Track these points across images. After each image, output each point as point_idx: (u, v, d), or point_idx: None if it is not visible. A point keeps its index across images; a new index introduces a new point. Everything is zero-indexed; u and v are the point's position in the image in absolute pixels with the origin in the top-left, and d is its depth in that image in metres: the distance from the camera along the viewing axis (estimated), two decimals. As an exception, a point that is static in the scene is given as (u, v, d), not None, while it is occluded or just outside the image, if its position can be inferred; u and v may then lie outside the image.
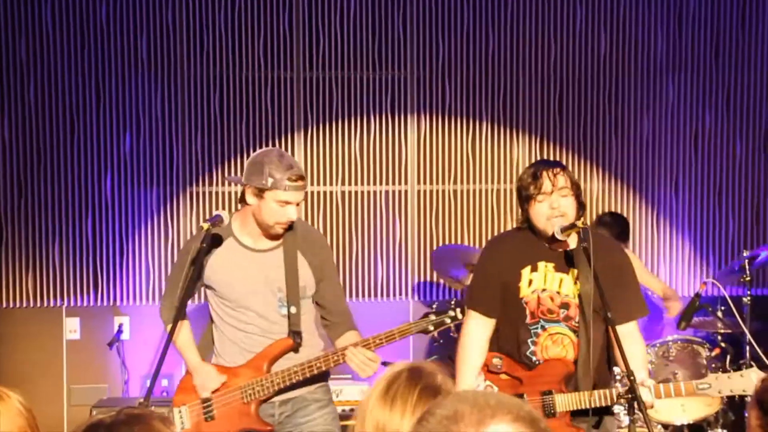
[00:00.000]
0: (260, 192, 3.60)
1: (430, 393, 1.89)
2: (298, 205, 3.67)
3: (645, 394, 3.53)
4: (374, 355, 3.65)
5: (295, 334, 3.76)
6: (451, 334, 4.06)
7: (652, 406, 3.56)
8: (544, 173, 3.71)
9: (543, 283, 3.78)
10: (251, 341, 3.78)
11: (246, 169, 3.69)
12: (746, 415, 1.86)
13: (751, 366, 3.71)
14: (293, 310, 3.74)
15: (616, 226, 5.66)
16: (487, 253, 3.97)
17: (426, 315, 3.69)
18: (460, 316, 3.67)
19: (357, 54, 6.15)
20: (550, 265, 3.78)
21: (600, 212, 6.23)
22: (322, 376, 3.84)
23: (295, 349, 3.77)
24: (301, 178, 3.64)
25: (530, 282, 3.78)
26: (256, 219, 3.69)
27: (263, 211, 3.63)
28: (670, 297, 5.58)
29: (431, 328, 3.66)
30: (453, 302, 3.74)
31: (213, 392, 3.77)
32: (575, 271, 3.76)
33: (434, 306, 3.77)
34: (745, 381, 3.48)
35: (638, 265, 5.73)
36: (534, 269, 3.79)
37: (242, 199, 3.73)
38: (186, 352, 3.84)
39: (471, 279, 4.08)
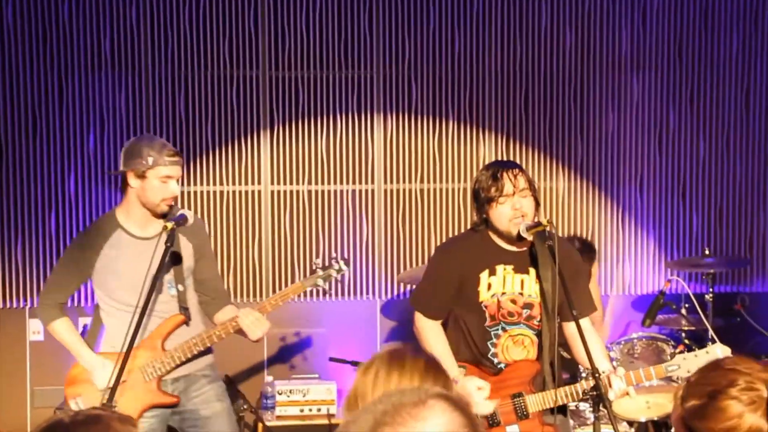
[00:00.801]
0: (142, 173, 3.88)
1: (435, 366, 1.98)
2: (177, 180, 3.96)
3: (617, 383, 3.55)
4: (261, 316, 3.98)
5: (185, 309, 4.04)
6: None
7: (627, 393, 3.59)
8: (504, 175, 3.71)
9: (502, 287, 3.79)
10: (144, 322, 3.93)
11: (123, 158, 3.98)
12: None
13: (714, 341, 3.75)
14: (180, 288, 4.03)
15: (588, 249, 5.58)
16: (441, 257, 3.92)
17: (314, 271, 4.06)
18: (344, 267, 4.06)
19: (323, 53, 6.13)
20: (509, 267, 3.79)
21: (565, 209, 6.27)
22: (207, 354, 4.11)
23: (186, 323, 4.04)
24: (177, 154, 3.97)
25: (489, 286, 3.79)
26: (142, 201, 3.95)
27: (147, 191, 3.91)
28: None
29: (320, 282, 4.03)
30: (336, 256, 4.20)
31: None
32: (534, 270, 3.78)
33: (317, 262, 4.13)
34: (711, 356, 3.52)
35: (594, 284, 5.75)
36: (492, 273, 3.79)
37: (123, 189, 4.01)
38: (80, 349, 4.05)
39: (421, 280, 4.03)
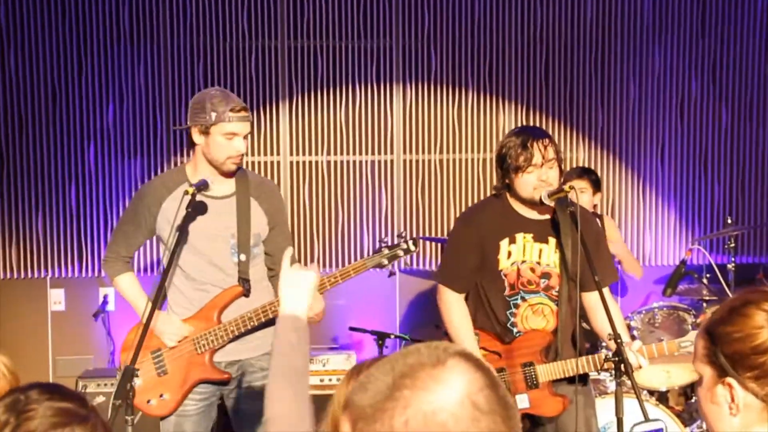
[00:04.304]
0: (206, 129, 3.63)
1: None
2: (245, 138, 3.68)
3: (630, 357, 3.53)
4: (319, 295, 3.63)
5: (244, 281, 3.76)
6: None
7: (640, 367, 3.56)
8: (535, 145, 3.67)
9: (522, 255, 3.76)
10: (202, 291, 3.76)
11: (189, 112, 3.71)
12: (694, 342, 1.86)
13: None
14: (243, 257, 3.75)
15: (592, 174, 5.56)
16: (462, 228, 3.88)
17: (380, 249, 3.71)
18: (412, 247, 3.69)
19: (342, 22, 6.10)
20: (529, 236, 3.76)
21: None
22: (270, 345, 3.83)
23: (246, 295, 3.77)
24: (245, 109, 3.68)
25: (509, 254, 3.76)
26: (208, 158, 3.69)
27: (212, 148, 3.65)
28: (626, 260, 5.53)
29: (385, 261, 3.68)
30: (404, 234, 3.78)
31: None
32: (554, 239, 3.75)
33: (386, 240, 3.79)
34: None
35: (615, 228, 5.72)
36: (512, 241, 3.76)
37: (191, 144, 3.74)
38: (144, 305, 3.68)
39: (445, 253, 4.00)
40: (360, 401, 1.25)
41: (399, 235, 3.76)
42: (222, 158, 3.67)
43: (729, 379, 1.73)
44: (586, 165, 6.22)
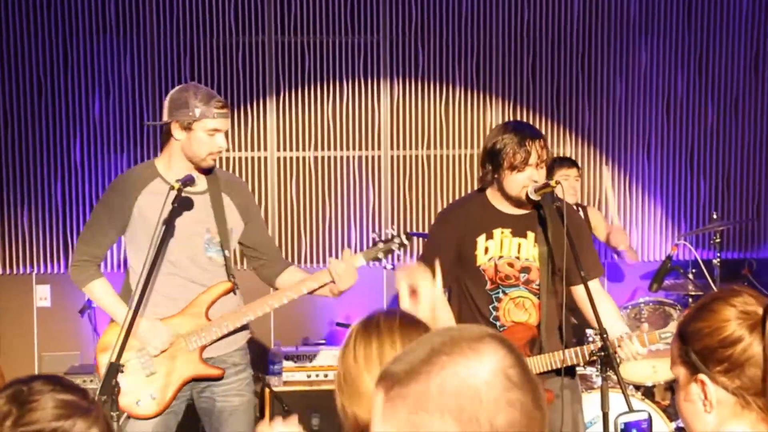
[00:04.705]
0: (188, 125, 3.61)
1: (411, 322, 1.93)
2: (226, 134, 3.69)
3: (628, 347, 3.54)
4: (353, 267, 3.70)
5: (232, 277, 3.77)
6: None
7: (638, 353, 3.58)
8: (533, 145, 3.65)
9: (499, 251, 3.77)
10: (183, 287, 3.71)
11: (167, 106, 3.67)
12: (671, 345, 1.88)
13: None
14: (227, 253, 3.75)
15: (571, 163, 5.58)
16: (440, 225, 3.90)
17: (375, 244, 3.76)
18: (406, 242, 3.75)
19: (330, 18, 6.09)
20: (507, 231, 3.76)
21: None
22: (241, 337, 3.82)
23: (234, 291, 3.77)
24: (226, 105, 3.68)
25: (486, 250, 3.77)
26: (187, 155, 3.67)
27: (194, 144, 3.63)
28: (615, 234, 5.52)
29: (380, 255, 3.74)
30: (396, 229, 3.86)
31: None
32: (533, 234, 3.76)
33: (380, 235, 3.82)
34: None
35: (600, 217, 5.73)
36: (489, 237, 3.76)
37: (165, 140, 3.71)
38: (123, 312, 3.57)
39: (423, 250, 4.00)
40: (397, 368, 1.30)
41: (390, 230, 3.80)
42: (203, 154, 3.65)
43: (701, 376, 1.74)
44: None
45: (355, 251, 5.93)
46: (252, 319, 3.71)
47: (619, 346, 3.55)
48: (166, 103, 3.69)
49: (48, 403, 1.65)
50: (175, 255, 3.68)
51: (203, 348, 3.71)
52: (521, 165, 3.62)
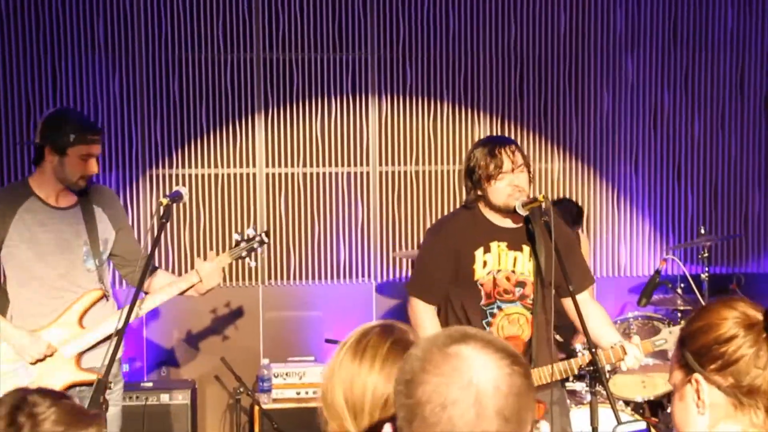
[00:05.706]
0: (63, 149, 3.73)
1: (401, 347, 1.88)
2: (97, 158, 3.82)
3: (631, 357, 3.54)
4: (218, 267, 3.90)
5: (101, 283, 3.90)
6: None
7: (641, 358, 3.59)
8: (502, 151, 3.68)
9: (498, 264, 3.75)
10: (59, 298, 3.82)
11: (41, 129, 3.80)
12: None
13: None
14: (98, 263, 3.88)
15: (574, 207, 5.70)
16: (433, 239, 3.86)
17: (237, 244, 3.99)
18: (266, 239, 3.99)
19: (318, 35, 6.11)
20: (503, 244, 3.76)
21: (560, 191, 6.27)
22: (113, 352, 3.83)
23: (106, 298, 3.90)
24: (100, 131, 3.84)
25: (485, 263, 3.76)
26: (59, 177, 3.79)
27: (67, 168, 3.76)
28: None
29: (244, 254, 3.96)
30: (255, 228, 4.20)
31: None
32: (528, 247, 3.76)
33: (242, 235, 4.02)
34: None
35: (586, 245, 5.78)
36: (487, 250, 3.75)
37: (37, 161, 3.83)
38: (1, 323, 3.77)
39: (416, 265, 3.98)
40: (410, 364, 1.43)
41: (250, 231, 4.02)
42: (75, 178, 3.79)
43: (695, 375, 1.77)
44: (561, 176, 6.27)
45: (338, 265, 6.02)
46: (124, 324, 3.60)
47: (625, 353, 3.55)
48: (39, 125, 3.83)
49: (58, 412, 1.69)
50: (52, 268, 3.81)
51: (80, 355, 3.82)
52: (496, 173, 3.64)
